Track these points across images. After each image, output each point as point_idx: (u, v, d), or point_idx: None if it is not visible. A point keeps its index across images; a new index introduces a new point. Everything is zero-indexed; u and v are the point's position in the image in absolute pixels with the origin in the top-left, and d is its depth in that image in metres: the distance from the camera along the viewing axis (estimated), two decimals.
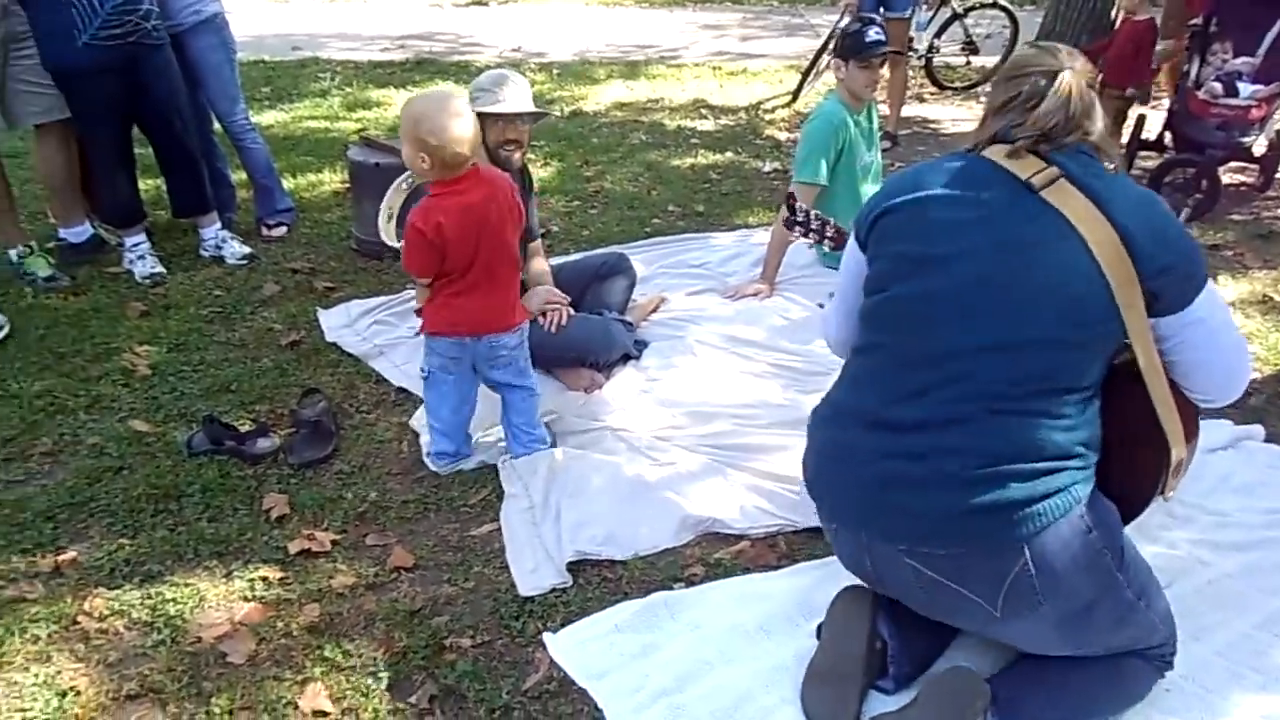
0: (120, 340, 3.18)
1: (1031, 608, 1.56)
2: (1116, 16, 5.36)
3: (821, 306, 3.03)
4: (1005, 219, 1.58)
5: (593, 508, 2.32)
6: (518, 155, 2.80)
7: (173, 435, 2.67)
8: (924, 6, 5.43)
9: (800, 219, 2.50)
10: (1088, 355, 1.56)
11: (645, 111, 6.16)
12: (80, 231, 3.78)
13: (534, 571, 2.13)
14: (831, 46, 6.24)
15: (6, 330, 3.21)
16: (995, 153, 1.62)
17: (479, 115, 2.48)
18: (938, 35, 6.53)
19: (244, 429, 2.63)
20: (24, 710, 1.78)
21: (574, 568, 2.15)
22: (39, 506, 2.36)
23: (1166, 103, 5.06)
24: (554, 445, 2.56)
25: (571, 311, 2.89)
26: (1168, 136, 4.73)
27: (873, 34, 3.33)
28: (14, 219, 3.60)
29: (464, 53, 7.91)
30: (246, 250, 3.79)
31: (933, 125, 6.06)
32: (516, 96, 2.70)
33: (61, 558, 2.18)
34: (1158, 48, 4.83)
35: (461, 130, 2.17)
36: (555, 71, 7.18)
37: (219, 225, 3.82)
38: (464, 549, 2.24)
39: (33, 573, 2.14)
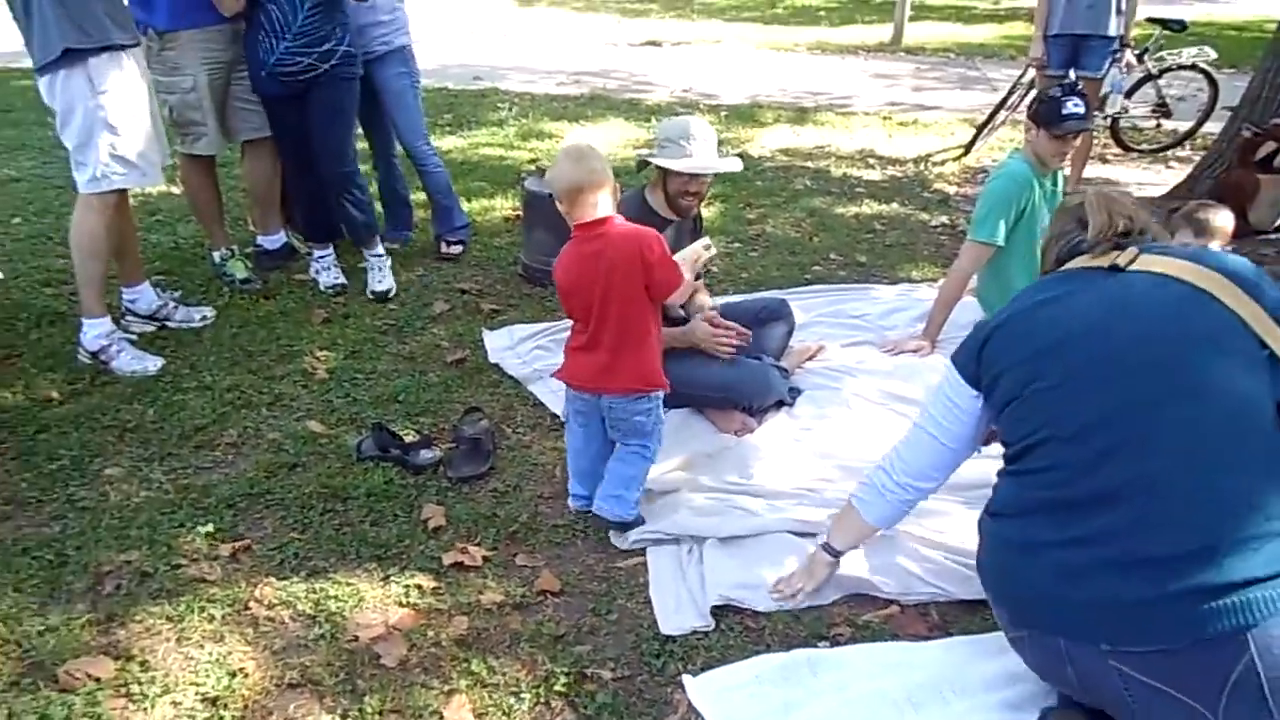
0: (303, 343, 3.40)
1: (1260, 716, 1.35)
2: None
3: None
4: (1101, 290, 1.63)
5: (739, 554, 2.29)
6: (695, 205, 2.83)
7: (344, 438, 2.82)
8: (1120, 68, 5.17)
9: None
10: (1259, 384, 1.49)
11: (811, 157, 6.14)
12: (275, 239, 4.07)
13: (677, 611, 2.12)
14: (1011, 103, 6.08)
15: (211, 321, 3.50)
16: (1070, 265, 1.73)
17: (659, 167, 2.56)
18: (1128, 95, 6.22)
19: (409, 439, 2.75)
20: (198, 685, 1.91)
21: (717, 612, 2.13)
22: (222, 494, 2.54)
23: None
24: (633, 524, 2.38)
25: (747, 334, 2.86)
26: None
27: (1071, 106, 3.11)
28: (221, 224, 3.92)
29: (636, 90, 8.11)
30: (341, 282, 3.86)
31: (1116, 188, 5.76)
32: (703, 152, 2.69)
33: (238, 544, 2.33)
34: None
35: (559, 183, 2.21)
36: (724, 113, 7.26)
37: (331, 251, 3.94)
38: (609, 579, 2.26)
39: (213, 555, 2.30)
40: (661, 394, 2.37)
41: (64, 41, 2.84)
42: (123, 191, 3.17)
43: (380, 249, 3.87)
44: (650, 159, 2.76)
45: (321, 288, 3.84)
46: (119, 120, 2.98)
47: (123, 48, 2.97)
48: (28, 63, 3.02)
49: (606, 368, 2.28)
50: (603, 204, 2.22)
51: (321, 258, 3.91)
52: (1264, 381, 1.50)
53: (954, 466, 1.94)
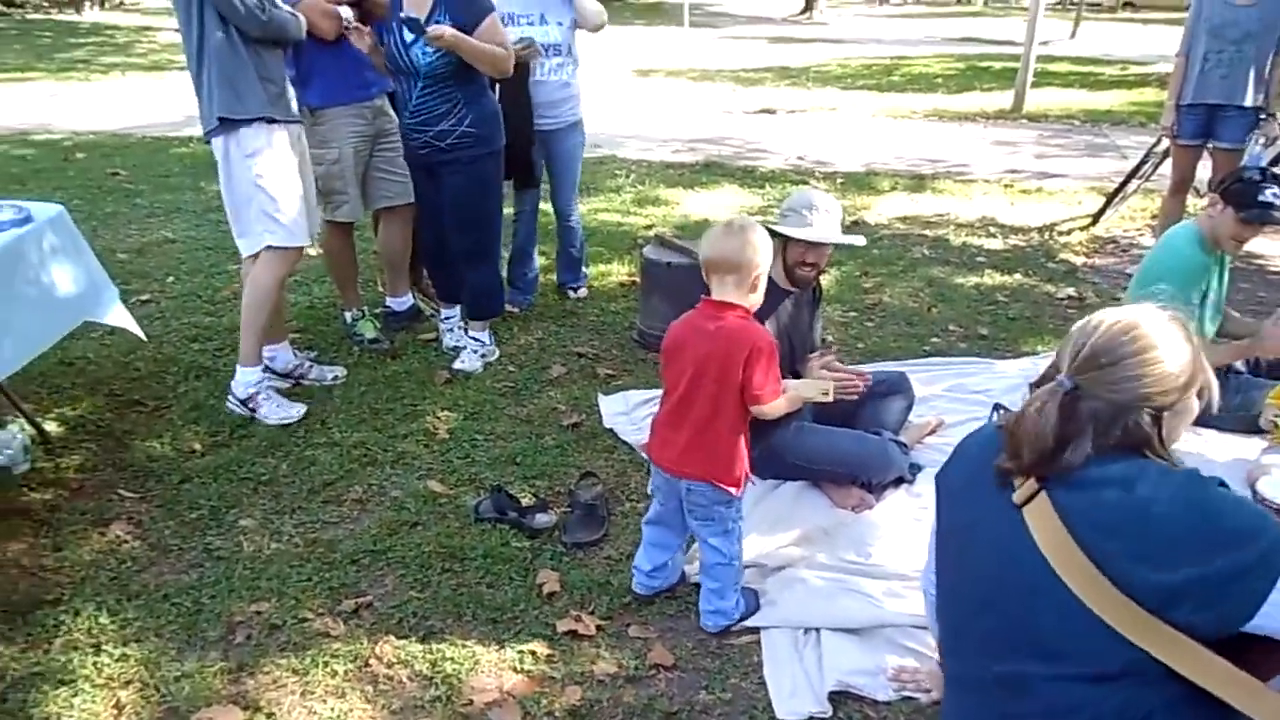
0: (426, 403, 3.51)
1: None
2: None
3: None
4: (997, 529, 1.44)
5: (859, 638, 2.23)
6: (814, 277, 2.82)
7: (463, 498, 2.88)
8: (1259, 140, 4.93)
9: None
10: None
11: (929, 226, 6.05)
12: (403, 301, 4.25)
13: (793, 695, 2.07)
14: (1144, 172, 5.88)
15: (342, 380, 3.66)
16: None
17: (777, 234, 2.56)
18: (1272, 165, 5.92)
19: (525, 502, 2.79)
20: None
21: (835, 698, 2.06)
22: (347, 549, 2.62)
23: None
24: (747, 614, 2.34)
25: (868, 377, 2.78)
26: None
27: (1270, 194, 2.91)
28: (355, 286, 4.12)
29: (751, 158, 8.19)
30: (463, 344, 3.95)
31: (1258, 260, 5.46)
32: (825, 224, 2.70)
33: (360, 600, 2.40)
34: None
35: (703, 249, 2.18)
36: (839, 180, 7.25)
37: (457, 312, 4.05)
38: (723, 656, 2.22)
39: (337, 611, 2.37)
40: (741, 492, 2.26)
41: (220, 110, 3.11)
42: (286, 252, 3.34)
43: (485, 333, 3.89)
44: (772, 227, 2.77)
45: (444, 347, 3.97)
46: (268, 184, 3.20)
47: (274, 122, 3.19)
48: (187, 131, 3.30)
49: (686, 449, 2.19)
50: (734, 289, 2.12)
51: (448, 319, 4.05)
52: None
53: None
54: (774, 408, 2.17)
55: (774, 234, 2.74)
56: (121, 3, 27.96)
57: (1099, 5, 34.53)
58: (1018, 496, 1.38)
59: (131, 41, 19.30)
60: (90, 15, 25.36)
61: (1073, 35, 21.69)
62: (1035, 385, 1.45)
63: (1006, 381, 3.68)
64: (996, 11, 34.56)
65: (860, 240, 2.84)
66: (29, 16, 24.10)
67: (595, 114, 8.88)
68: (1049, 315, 4.50)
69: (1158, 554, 1.27)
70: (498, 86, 3.77)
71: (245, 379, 3.35)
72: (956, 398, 3.55)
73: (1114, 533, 1.30)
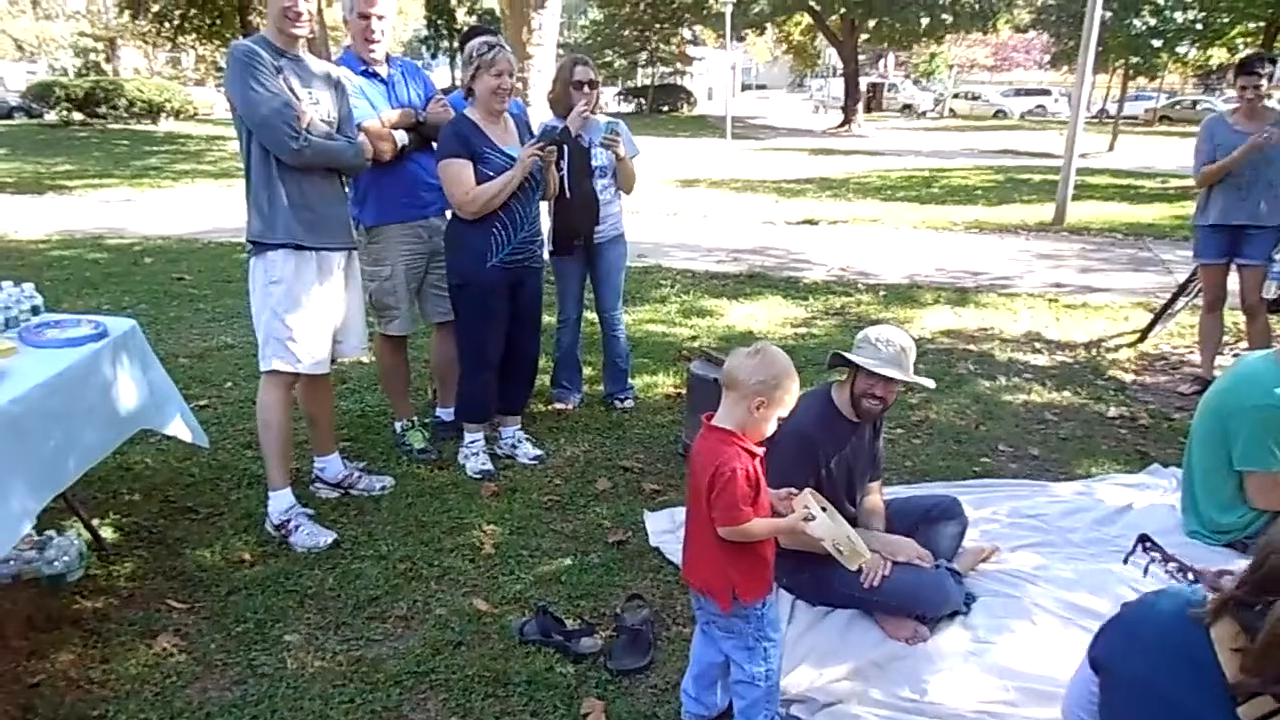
0: (472, 516, 3.52)
1: None
2: None
3: (1192, 579, 2.67)
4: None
5: None
6: (880, 412, 2.83)
7: (507, 618, 2.85)
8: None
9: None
10: None
11: (974, 340, 6.04)
12: (452, 411, 4.31)
13: None
14: (1191, 289, 5.84)
15: (390, 490, 3.69)
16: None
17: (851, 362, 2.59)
18: None
19: (570, 625, 2.75)
20: None
21: None
22: (390, 670, 2.60)
23: None
24: None
25: (928, 555, 2.79)
26: None
27: None
28: (406, 397, 4.20)
29: (794, 268, 8.30)
30: (538, 452, 4.06)
31: None
32: (895, 360, 2.73)
33: None
34: None
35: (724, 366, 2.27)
36: (881, 293, 7.30)
37: (519, 426, 4.15)
38: None
39: None
40: (758, 607, 2.22)
41: (250, 233, 3.22)
42: (288, 376, 3.33)
43: (518, 424, 4.15)
44: (845, 355, 2.80)
45: (468, 473, 3.87)
46: (284, 310, 3.23)
47: (303, 248, 3.20)
48: None
49: (692, 560, 2.28)
50: (732, 407, 2.17)
51: (472, 443, 3.96)
52: None
53: None
54: (740, 532, 2.13)
55: (846, 362, 2.79)
56: (195, 114, 29.61)
57: (1135, 119, 35.05)
58: (1246, 713, 1.37)
59: (202, 150, 20.33)
60: (165, 125, 26.85)
61: (1110, 148, 21.99)
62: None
63: (1062, 506, 3.60)
64: (1033, 125, 35.13)
65: (930, 383, 2.87)
66: (110, 126, 25.57)
67: (640, 224, 9.05)
68: (1101, 436, 4.43)
69: None
70: (570, 191, 4.16)
71: (275, 505, 3.35)
72: (1011, 522, 3.48)
73: None
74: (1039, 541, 3.33)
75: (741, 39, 42.31)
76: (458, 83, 4.07)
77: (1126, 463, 4.10)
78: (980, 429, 4.49)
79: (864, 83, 37.30)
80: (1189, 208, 11.84)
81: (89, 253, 8.51)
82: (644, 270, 7.98)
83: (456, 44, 44.65)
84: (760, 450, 2.20)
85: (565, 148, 4.07)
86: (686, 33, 42.17)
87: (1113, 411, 4.74)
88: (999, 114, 41.05)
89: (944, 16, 29.01)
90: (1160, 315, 5.97)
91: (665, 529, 3.41)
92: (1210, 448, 3.17)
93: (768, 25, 36.07)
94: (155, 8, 25.62)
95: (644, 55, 41.83)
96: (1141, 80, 30.41)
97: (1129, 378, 5.32)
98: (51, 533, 3.04)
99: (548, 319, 4.57)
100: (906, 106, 44.88)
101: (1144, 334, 5.98)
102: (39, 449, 2.55)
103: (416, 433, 4.11)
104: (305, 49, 3.26)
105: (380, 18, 3.60)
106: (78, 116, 25.71)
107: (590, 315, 4.72)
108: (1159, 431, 4.47)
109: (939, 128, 34.56)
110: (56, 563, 2.94)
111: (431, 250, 3.90)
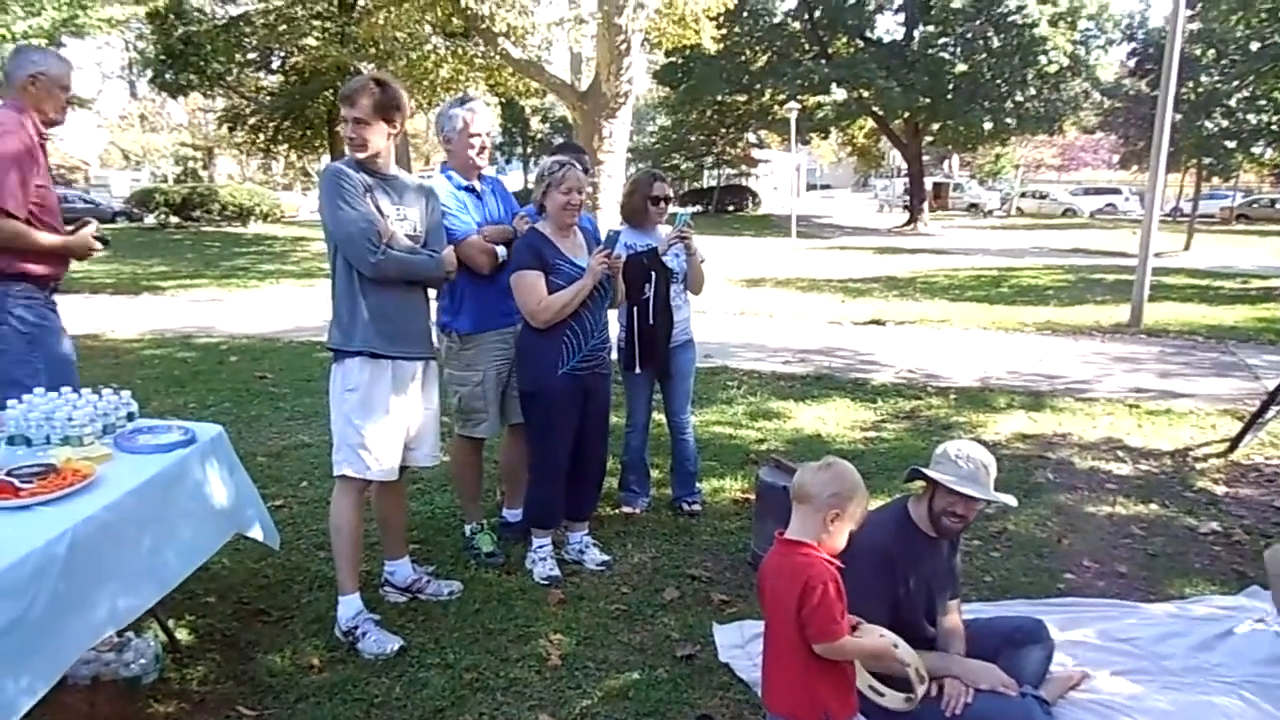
0: (539, 624, 3.49)
1: None
2: None
3: None
4: None
5: None
6: (960, 529, 2.77)
7: None
8: None
9: None
10: None
11: (1051, 447, 5.87)
12: (519, 513, 4.32)
13: None
14: None
15: (458, 595, 3.68)
16: None
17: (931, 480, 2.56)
18: None
19: None
20: None
21: None
22: None
23: None
24: None
25: (969, 699, 2.66)
26: None
27: None
28: (477, 499, 4.23)
29: (861, 370, 8.23)
30: (605, 558, 4.04)
31: None
32: (975, 477, 2.68)
33: None
34: None
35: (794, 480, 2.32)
36: (952, 396, 7.18)
37: (586, 531, 4.14)
38: None
39: None
40: None
41: (330, 341, 3.35)
42: (358, 482, 3.37)
43: (585, 529, 4.13)
44: (924, 470, 2.76)
45: (536, 579, 3.85)
46: (358, 417, 3.30)
47: (380, 357, 3.29)
48: None
49: (771, 686, 2.28)
50: (806, 521, 2.26)
51: (540, 548, 3.95)
52: None
53: None
54: (836, 649, 2.17)
55: (924, 477, 2.74)
56: (281, 216, 31.21)
57: (1211, 217, 34.44)
58: None
59: (287, 251, 21.32)
60: (254, 227, 28.34)
61: (1186, 247, 21.60)
62: None
63: (1156, 629, 3.41)
64: (1103, 224, 34.81)
65: (1012, 501, 2.81)
66: (203, 229, 27.09)
67: (706, 324, 9.15)
68: (1194, 553, 4.22)
69: None
70: (651, 305, 4.29)
71: (344, 611, 3.36)
72: (1102, 646, 3.30)
73: None
74: (1132, 668, 3.15)
75: (806, 142, 43.15)
76: (529, 184, 4.30)
77: (1223, 583, 3.89)
78: (1063, 543, 4.33)
79: (929, 182, 37.60)
80: (1274, 310, 11.51)
81: (178, 351, 8.89)
82: (710, 371, 7.99)
83: (530, 150, 46.62)
84: (840, 564, 2.21)
85: (654, 272, 4.21)
86: (751, 136, 43.18)
87: (1205, 527, 4.52)
88: (1068, 212, 40.81)
89: (1008, 120, 29.24)
90: (1251, 423, 5.74)
91: (735, 643, 3.32)
92: None
93: (832, 129, 36.76)
94: (251, 121, 27.30)
95: (710, 159, 42.88)
96: (1216, 179, 30.05)
97: (1220, 490, 5.09)
98: (130, 634, 3.10)
99: (616, 420, 4.59)
100: (973, 205, 44.92)
101: (1234, 443, 5.74)
102: (132, 553, 2.63)
103: (485, 536, 4.13)
104: (394, 164, 3.43)
105: (488, 134, 3.92)
106: (174, 220, 27.33)
107: (658, 417, 4.73)
108: (1256, 549, 4.24)
109: (1006, 226, 34.42)
110: (134, 665, 2.98)
111: (514, 356, 4.00)
